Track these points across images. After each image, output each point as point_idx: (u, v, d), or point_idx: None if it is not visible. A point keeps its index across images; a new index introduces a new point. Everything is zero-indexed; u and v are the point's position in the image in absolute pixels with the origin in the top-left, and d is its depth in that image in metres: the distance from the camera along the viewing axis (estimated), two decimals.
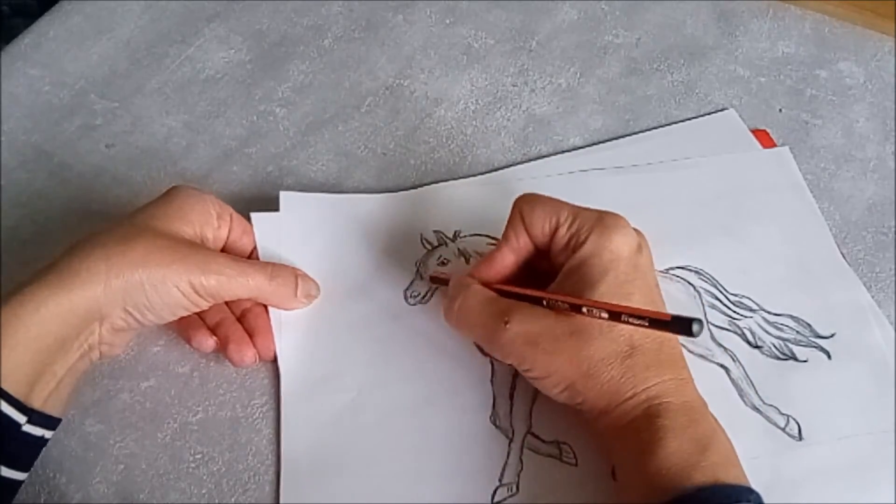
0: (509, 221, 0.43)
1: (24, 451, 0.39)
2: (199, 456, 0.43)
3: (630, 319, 0.36)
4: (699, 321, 0.33)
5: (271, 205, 0.50)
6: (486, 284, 0.42)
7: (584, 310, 0.37)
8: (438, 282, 0.47)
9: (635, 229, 0.41)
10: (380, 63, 0.60)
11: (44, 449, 0.41)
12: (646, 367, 0.37)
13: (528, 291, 0.40)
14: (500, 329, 0.39)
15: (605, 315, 0.36)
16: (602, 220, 0.40)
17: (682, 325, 0.34)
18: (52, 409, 0.40)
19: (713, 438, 0.36)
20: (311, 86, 0.59)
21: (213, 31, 0.63)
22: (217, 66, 0.61)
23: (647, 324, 0.35)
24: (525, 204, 0.42)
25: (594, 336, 0.38)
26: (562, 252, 0.41)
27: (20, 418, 0.38)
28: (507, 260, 0.43)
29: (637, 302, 0.38)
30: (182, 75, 0.60)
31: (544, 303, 0.39)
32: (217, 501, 0.42)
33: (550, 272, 0.41)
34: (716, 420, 0.38)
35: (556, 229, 0.41)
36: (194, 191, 0.45)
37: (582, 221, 0.40)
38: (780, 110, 0.56)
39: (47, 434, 0.40)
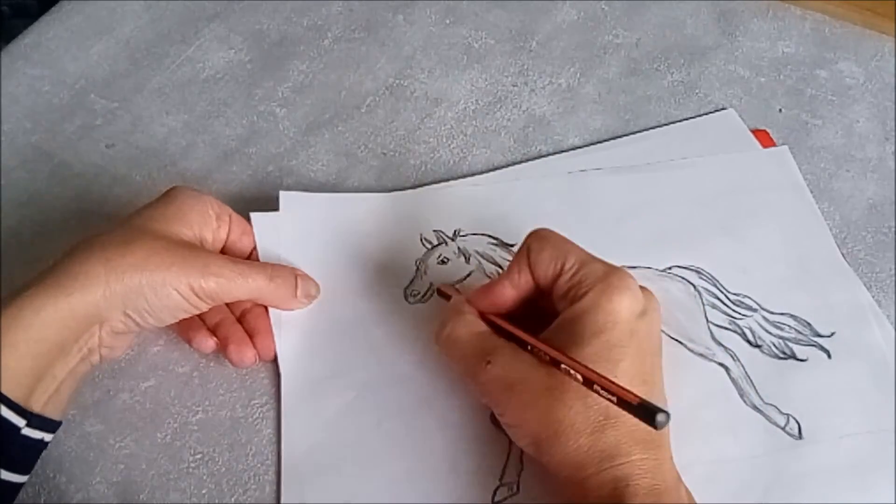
0: (516, 255, 0.41)
1: (23, 454, 0.39)
2: (199, 456, 0.43)
3: (601, 391, 0.34)
4: (665, 413, 0.32)
5: (271, 205, 0.50)
6: (481, 314, 0.41)
7: (563, 367, 0.36)
8: (443, 296, 0.46)
9: (646, 292, 0.39)
10: (380, 63, 0.60)
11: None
12: (617, 442, 0.35)
13: (516, 332, 0.39)
14: (480, 367, 0.38)
15: (579, 377, 0.35)
16: (607, 276, 0.38)
17: (647, 413, 0.32)
18: (51, 413, 0.40)
19: None
20: (311, 86, 0.59)
21: (213, 31, 0.63)
22: (217, 66, 0.61)
23: (615, 400, 0.34)
24: (535, 241, 0.41)
25: (569, 398, 0.36)
26: (561, 299, 0.39)
27: (19, 422, 0.38)
28: (507, 294, 0.41)
29: (624, 370, 0.36)
30: (182, 75, 0.60)
31: (528, 348, 0.38)
32: (217, 501, 0.42)
33: (552, 313, 0.40)
34: (690, 499, 0.36)
35: (560, 275, 0.39)
36: (193, 192, 0.45)
37: (586, 273, 0.38)
38: (780, 110, 0.56)
39: (47, 437, 0.40)
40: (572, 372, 0.35)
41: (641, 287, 0.39)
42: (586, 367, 0.35)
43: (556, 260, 0.39)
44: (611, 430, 0.35)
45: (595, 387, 0.34)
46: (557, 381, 0.36)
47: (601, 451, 0.35)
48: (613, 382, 0.34)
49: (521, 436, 0.38)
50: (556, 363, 0.36)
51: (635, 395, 0.33)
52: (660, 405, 0.32)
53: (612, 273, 0.38)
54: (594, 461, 0.35)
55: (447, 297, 0.45)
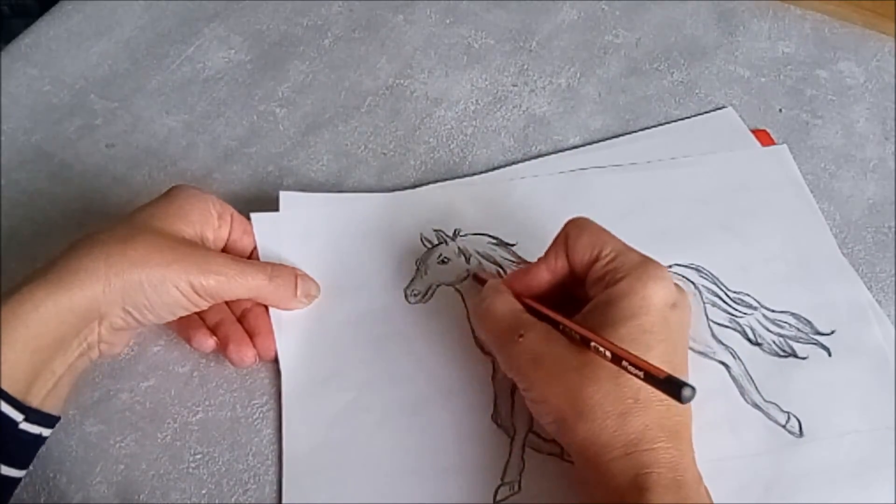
0: (554, 241, 0.42)
1: (21, 449, 0.39)
2: (199, 456, 0.43)
3: (628, 367, 0.34)
4: (691, 388, 0.32)
5: (271, 205, 0.50)
6: (517, 295, 0.42)
7: (592, 345, 0.36)
8: (477, 280, 0.47)
9: (679, 287, 0.40)
10: (380, 63, 0.60)
11: (43, 448, 0.41)
12: (644, 427, 0.35)
13: (548, 311, 0.40)
14: (513, 340, 0.39)
15: (608, 355, 0.35)
16: (644, 265, 0.39)
17: (673, 387, 0.33)
18: (50, 408, 0.40)
19: None
20: (311, 86, 0.59)
21: (213, 31, 0.63)
22: (217, 66, 0.61)
23: (642, 375, 0.34)
24: (573, 228, 0.41)
25: (600, 378, 0.36)
26: (595, 284, 0.40)
27: (18, 416, 0.38)
28: (542, 277, 0.42)
29: (655, 356, 0.36)
30: (182, 75, 0.60)
31: (560, 327, 0.39)
32: (217, 501, 0.42)
33: (584, 300, 0.41)
34: (709, 499, 0.36)
35: (596, 261, 0.40)
36: (195, 190, 0.45)
37: (623, 260, 0.39)
38: (780, 110, 0.56)
39: (45, 432, 0.40)
40: (601, 349, 0.36)
41: (675, 284, 0.40)
42: (615, 344, 0.36)
43: (593, 246, 0.40)
44: (639, 414, 0.36)
45: (623, 363, 0.35)
46: (588, 361, 0.37)
47: (627, 434, 0.35)
48: (641, 358, 0.35)
49: (545, 412, 0.38)
50: (586, 342, 0.37)
51: (662, 370, 0.33)
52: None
53: (648, 262, 0.39)
54: (619, 444, 0.35)
55: (482, 282, 0.45)
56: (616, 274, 0.39)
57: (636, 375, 0.34)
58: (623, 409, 0.36)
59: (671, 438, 0.36)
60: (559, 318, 0.39)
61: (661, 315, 0.38)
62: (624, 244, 0.40)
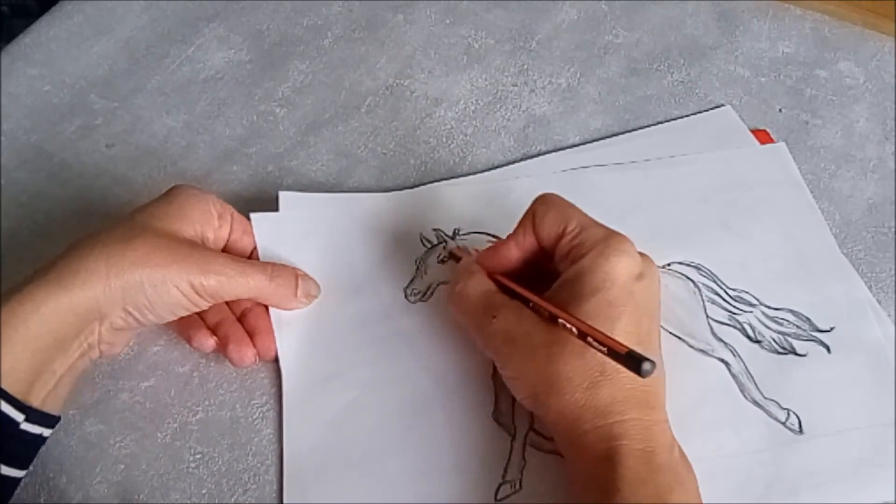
0: (523, 217, 0.43)
1: (22, 449, 0.39)
2: (199, 456, 0.43)
3: (593, 343, 0.35)
4: (650, 362, 0.33)
5: (271, 205, 0.50)
6: (490, 272, 0.43)
7: (560, 321, 0.37)
8: (454, 258, 0.47)
9: (645, 258, 0.40)
10: (380, 63, 0.60)
11: (43, 448, 0.41)
12: (612, 400, 0.36)
13: (519, 289, 0.41)
14: (486, 321, 0.40)
15: (574, 331, 0.36)
16: (606, 239, 0.39)
17: (633, 362, 0.33)
18: (50, 408, 0.40)
19: (671, 493, 0.35)
20: (311, 86, 0.59)
21: (213, 31, 0.63)
22: (217, 66, 0.61)
23: (605, 350, 0.35)
24: (540, 205, 0.42)
25: (567, 353, 0.37)
26: (563, 260, 0.41)
27: (18, 416, 0.38)
28: (512, 254, 0.43)
29: (621, 328, 0.37)
30: (182, 75, 0.60)
31: (530, 305, 0.40)
32: (217, 501, 0.42)
33: (555, 276, 0.41)
34: (685, 464, 0.37)
35: (562, 236, 0.41)
36: (195, 190, 0.45)
37: (587, 235, 0.40)
38: (780, 110, 0.56)
39: (45, 432, 0.40)
40: (568, 325, 0.37)
41: (641, 253, 0.40)
42: (580, 320, 0.37)
43: (559, 222, 0.41)
44: (606, 387, 0.37)
45: (588, 339, 0.36)
46: (557, 337, 0.38)
47: (595, 406, 0.36)
48: (604, 334, 0.35)
49: (521, 388, 0.40)
50: (553, 318, 0.38)
51: (623, 345, 0.34)
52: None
53: (611, 236, 0.40)
54: (589, 416, 0.36)
55: (458, 259, 0.46)
56: (581, 249, 0.39)
57: (600, 351, 0.35)
58: (590, 382, 0.37)
59: (641, 409, 0.37)
60: (529, 295, 0.40)
61: (626, 288, 0.38)
62: (589, 219, 0.41)
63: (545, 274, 0.42)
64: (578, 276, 0.39)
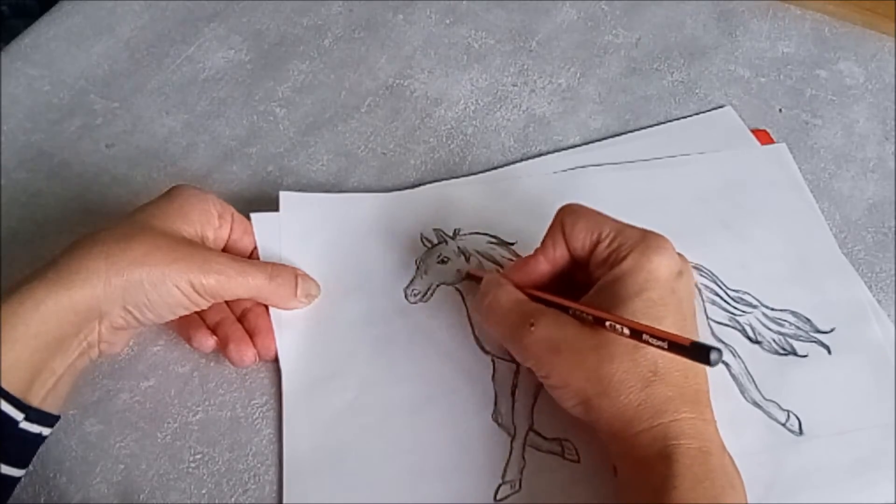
0: (549, 230, 0.42)
1: (21, 448, 0.39)
2: (199, 456, 0.43)
3: (650, 339, 0.35)
4: (718, 350, 0.32)
5: (271, 205, 0.50)
6: (517, 287, 0.42)
7: (608, 324, 0.36)
8: (473, 278, 0.47)
9: (680, 255, 0.40)
10: (380, 63, 0.60)
11: (43, 448, 0.41)
12: (666, 398, 0.36)
13: (557, 299, 0.40)
14: (525, 331, 0.39)
15: (626, 332, 0.36)
16: (645, 239, 0.39)
17: (701, 353, 0.33)
18: (50, 407, 0.40)
19: (724, 494, 0.35)
20: (311, 86, 0.59)
21: (213, 31, 0.63)
22: (217, 66, 0.61)
23: (665, 346, 0.34)
24: (568, 216, 0.41)
25: (617, 354, 0.37)
26: (600, 266, 0.40)
27: (18, 415, 0.38)
28: (542, 268, 0.42)
29: (668, 326, 0.37)
30: (182, 75, 0.60)
31: (570, 312, 0.39)
32: (217, 501, 0.42)
33: (585, 284, 0.41)
34: (734, 467, 0.37)
35: (598, 244, 0.40)
36: (196, 190, 0.45)
37: (624, 238, 0.39)
38: (780, 110, 0.56)
39: (45, 431, 0.40)
40: (618, 327, 0.36)
41: (678, 252, 0.40)
42: (632, 320, 0.36)
43: (592, 230, 0.40)
44: (660, 385, 0.36)
45: (644, 336, 0.35)
46: (604, 340, 0.37)
47: (651, 406, 0.36)
48: (663, 330, 0.35)
49: (569, 396, 0.38)
50: (600, 322, 0.37)
51: (685, 338, 0.34)
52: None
53: (649, 235, 0.39)
54: (645, 416, 0.36)
55: (478, 279, 0.45)
56: (620, 252, 0.39)
57: (660, 347, 0.34)
58: (644, 381, 0.36)
59: (694, 407, 0.37)
60: (568, 302, 0.39)
61: (669, 286, 0.38)
62: (621, 222, 0.41)
63: (569, 285, 0.42)
64: (620, 279, 0.38)
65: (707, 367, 0.43)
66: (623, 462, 0.37)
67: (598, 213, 0.41)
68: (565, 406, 0.39)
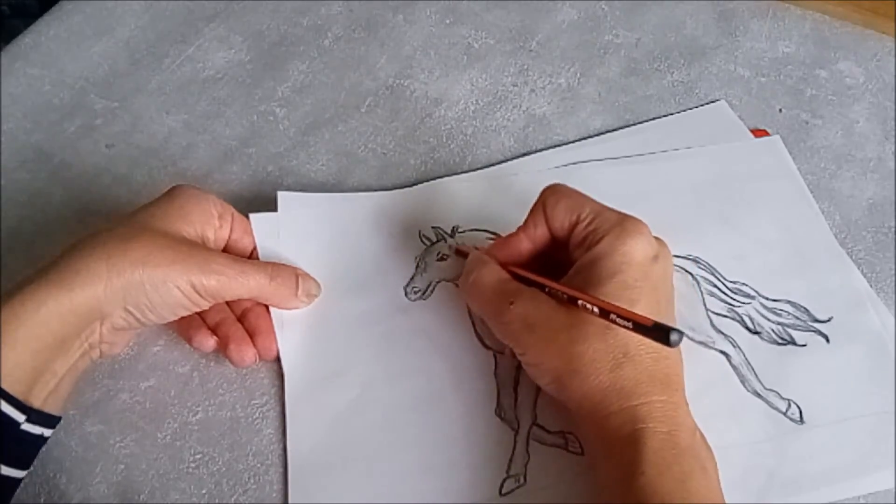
0: (532, 209, 0.43)
1: (23, 449, 0.39)
2: (199, 456, 0.43)
3: (617, 319, 0.35)
4: (678, 332, 0.33)
5: (271, 205, 0.50)
6: (500, 264, 0.43)
7: (580, 303, 0.37)
8: (461, 254, 0.47)
9: (659, 240, 0.41)
10: (380, 63, 0.60)
11: (43, 448, 0.41)
12: (636, 381, 0.37)
13: (533, 277, 0.41)
14: (504, 308, 0.40)
15: (596, 311, 0.36)
16: (622, 223, 0.40)
17: (661, 333, 0.34)
18: (51, 408, 0.40)
19: (693, 477, 0.35)
20: (311, 86, 0.59)
21: (213, 31, 0.63)
22: (217, 66, 0.61)
23: (630, 326, 0.35)
24: (550, 196, 0.42)
25: (590, 334, 0.37)
26: (577, 247, 0.41)
27: (19, 417, 0.38)
28: (523, 246, 0.43)
29: (640, 309, 0.37)
30: (182, 75, 0.60)
31: (547, 290, 0.40)
32: (217, 501, 0.42)
33: (567, 264, 0.41)
34: (706, 448, 0.37)
35: (576, 225, 0.41)
36: (196, 190, 0.45)
37: (601, 221, 0.40)
38: (780, 110, 0.56)
39: (46, 432, 0.40)
40: (589, 306, 0.37)
41: (655, 237, 0.40)
42: (601, 299, 0.37)
43: (572, 211, 0.41)
44: (630, 368, 0.37)
45: (611, 316, 0.36)
46: (577, 320, 0.38)
47: (620, 388, 0.36)
48: (628, 310, 0.35)
49: (543, 373, 0.39)
50: (573, 301, 0.38)
51: (649, 319, 0.34)
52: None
53: (626, 219, 0.40)
54: (614, 398, 0.36)
55: (464, 255, 0.46)
56: (596, 235, 0.40)
57: (625, 327, 0.35)
58: (614, 363, 0.37)
59: (664, 390, 0.37)
60: (546, 281, 0.40)
61: (643, 269, 0.39)
62: (601, 205, 0.41)
63: (553, 265, 0.42)
64: (595, 261, 0.39)
65: (704, 360, 0.44)
66: (592, 444, 0.38)
67: (580, 195, 0.42)
68: (540, 383, 0.40)
